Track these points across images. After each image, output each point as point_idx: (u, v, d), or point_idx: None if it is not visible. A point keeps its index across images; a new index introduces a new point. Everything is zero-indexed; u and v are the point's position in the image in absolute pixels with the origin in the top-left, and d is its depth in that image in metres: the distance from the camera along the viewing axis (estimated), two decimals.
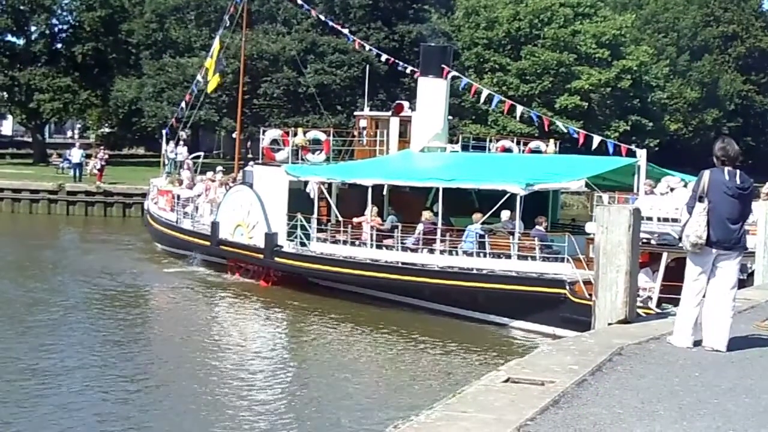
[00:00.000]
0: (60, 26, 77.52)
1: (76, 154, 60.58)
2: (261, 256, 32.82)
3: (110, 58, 76.05)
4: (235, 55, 63.35)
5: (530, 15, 78.17)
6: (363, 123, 37.59)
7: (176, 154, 55.64)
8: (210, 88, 45.83)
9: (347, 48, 62.89)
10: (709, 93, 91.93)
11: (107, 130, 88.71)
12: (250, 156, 48.39)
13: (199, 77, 46.67)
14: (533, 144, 40.32)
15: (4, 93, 76.23)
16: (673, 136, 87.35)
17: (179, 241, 38.30)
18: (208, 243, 35.64)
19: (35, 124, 78.11)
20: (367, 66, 51.37)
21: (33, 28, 75.35)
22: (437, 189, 30.38)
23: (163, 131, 49.81)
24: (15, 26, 73.98)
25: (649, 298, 23.57)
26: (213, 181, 39.00)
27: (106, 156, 61.27)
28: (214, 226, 35.16)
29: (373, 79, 60.64)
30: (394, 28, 67.56)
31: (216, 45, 44.25)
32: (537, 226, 28.31)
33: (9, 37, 75.90)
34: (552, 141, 40.07)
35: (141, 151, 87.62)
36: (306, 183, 32.46)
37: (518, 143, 40.65)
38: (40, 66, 73.18)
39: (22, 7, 72.82)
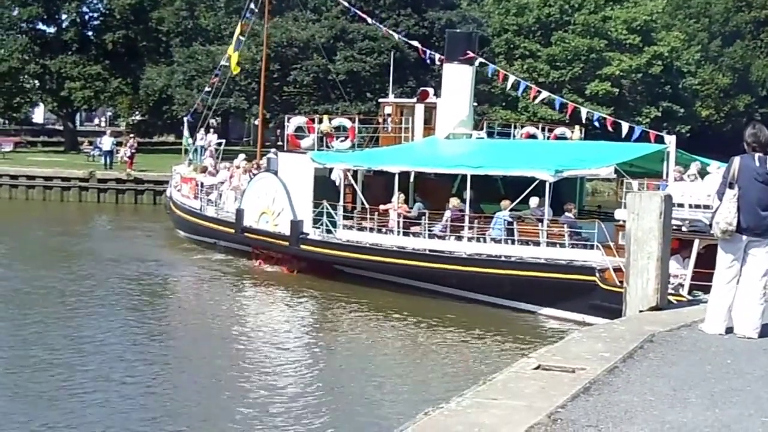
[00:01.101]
0: (90, 14, 78.17)
1: (107, 142, 60.91)
2: (286, 243, 32.76)
3: (140, 45, 76.51)
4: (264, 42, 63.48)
5: (560, 1, 77.82)
6: (388, 110, 37.45)
7: (206, 141, 55.84)
8: (232, 65, 45.92)
9: (377, 35, 62.79)
10: (741, 79, 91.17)
11: (138, 117, 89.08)
12: (280, 143, 48.35)
13: (223, 62, 46.73)
14: (558, 130, 40.04)
15: (36, 81, 76.83)
16: (704, 123, 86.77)
17: (203, 228, 38.30)
18: (232, 230, 35.59)
19: (66, 112, 78.60)
20: (392, 53, 51.27)
21: (64, 16, 75.88)
22: (462, 176, 30.29)
23: (185, 118, 49.89)
24: (46, 14, 74.52)
25: (681, 285, 23.45)
26: (237, 168, 38.95)
27: (136, 144, 61.52)
28: (239, 213, 35.14)
29: (403, 66, 60.72)
30: (424, 14, 67.42)
31: (237, 30, 44.23)
32: (566, 213, 28.21)
33: (40, 26, 76.52)
34: (577, 127, 39.84)
35: (171, 138, 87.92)
36: (331, 170, 32.45)
37: (543, 130, 40.45)
38: (70, 54, 73.64)
39: None
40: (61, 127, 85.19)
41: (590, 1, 77.63)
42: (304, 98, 66.51)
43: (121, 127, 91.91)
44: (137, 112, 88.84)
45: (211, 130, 63.97)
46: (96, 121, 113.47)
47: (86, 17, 77.72)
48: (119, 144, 63.59)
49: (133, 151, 58.88)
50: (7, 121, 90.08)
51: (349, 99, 61.47)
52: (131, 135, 68.53)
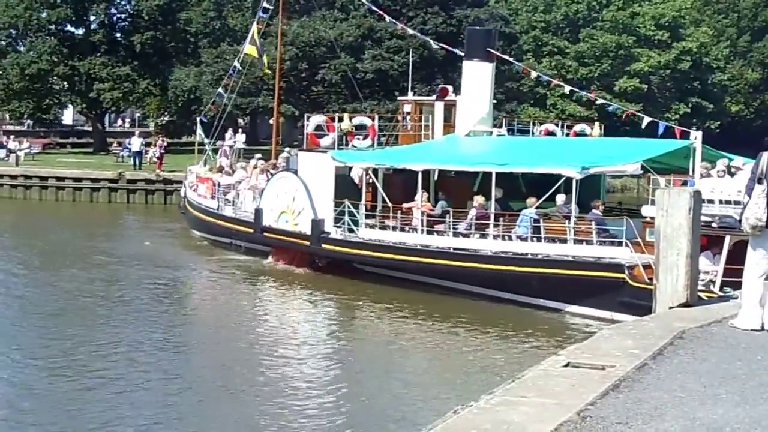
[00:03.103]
0: (119, 15, 78.54)
1: (136, 143, 61.30)
2: (307, 242, 32.55)
3: (169, 46, 76.79)
4: (292, 42, 63.47)
5: None
6: (407, 108, 37.20)
7: (234, 142, 55.96)
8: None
9: (405, 33, 62.78)
10: None
11: (166, 118, 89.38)
12: None
13: (236, 63, 46.72)
14: (578, 127, 39.70)
15: (65, 83, 77.16)
16: (734, 118, 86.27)
17: (220, 228, 38.06)
18: (251, 230, 35.32)
19: (95, 113, 78.96)
20: (411, 51, 51.20)
21: (92, 18, 76.30)
22: (484, 173, 30.21)
23: (198, 118, 49.88)
24: (74, 16, 74.89)
25: (711, 281, 23.33)
26: (255, 167, 38.69)
27: (165, 144, 61.75)
28: (258, 213, 34.88)
29: (431, 64, 60.65)
30: (452, 12, 67.27)
31: (254, 30, 44.28)
32: (594, 210, 28.11)
33: (69, 27, 76.95)
34: (597, 124, 39.66)
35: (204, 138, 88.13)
36: (350, 169, 32.39)
37: (562, 127, 40.22)
38: (99, 55, 73.94)
39: None
40: (90, 128, 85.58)
41: None
42: (333, 97, 66.56)
43: (149, 128, 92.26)
44: (166, 113, 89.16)
45: (240, 130, 64.21)
46: (119, 122, 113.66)
47: (114, 19, 78.10)
48: (148, 144, 63.88)
49: (162, 151, 59.13)
50: (31, 122, 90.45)
51: (378, 98, 61.43)
52: (160, 135, 68.83)
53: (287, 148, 41.01)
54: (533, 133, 38.83)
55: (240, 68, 46.23)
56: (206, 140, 47.01)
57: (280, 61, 48.41)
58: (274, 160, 39.94)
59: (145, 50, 74.44)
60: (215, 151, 46.74)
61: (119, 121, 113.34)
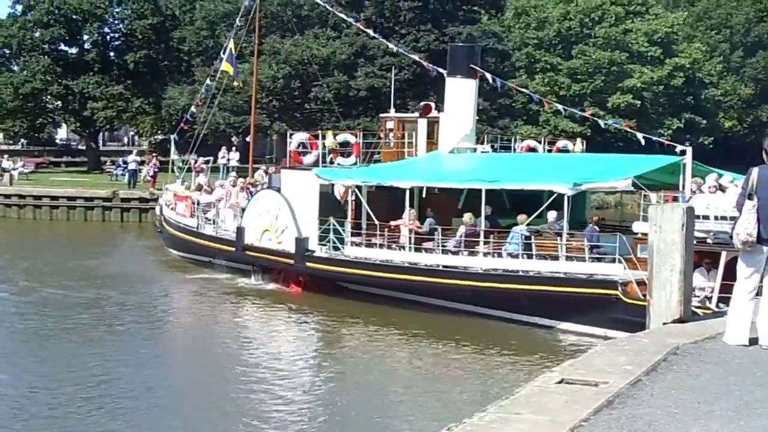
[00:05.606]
0: (112, 35, 78.82)
1: (132, 161, 61.31)
2: (291, 261, 32.27)
3: (162, 65, 77.05)
4: (285, 60, 63.55)
5: (581, 14, 77.72)
6: (390, 125, 37.00)
7: (228, 160, 55.91)
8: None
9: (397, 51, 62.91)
10: (764, 89, 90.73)
11: (160, 137, 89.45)
12: None
13: (208, 82, 46.74)
14: (561, 143, 39.53)
15: (59, 102, 77.28)
16: (727, 134, 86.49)
17: (200, 247, 37.67)
18: (233, 249, 35.00)
19: (89, 132, 79.04)
20: (393, 69, 51.26)
21: (86, 37, 76.45)
22: (468, 190, 30.11)
23: (172, 136, 49.83)
24: (68, 36, 75.17)
25: (707, 297, 23.33)
26: (234, 185, 38.32)
27: (158, 162, 61.76)
28: (240, 231, 34.56)
29: (424, 81, 60.73)
30: (444, 30, 67.43)
31: (230, 47, 44.36)
32: (593, 225, 28.22)
33: (62, 47, 77.05)
34: (579, 140, 39.59)
35: (194, 157, 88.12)
36: (333, 186, 32.19)
37: (544, 143, 40.12)
38: (93, 74, 74.15)
39: (74, 17, 73.82)
40: (84, 147, 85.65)
41: (611, 13, 77.51)
42: (326, 115, 66.65)
43: (144, 146, 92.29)
44: (159, 132, 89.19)
45: (234, 148, 64.22)
46: (125, 140, 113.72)
47: (108, 38, 78.33)
48: (141, 163, 63.93)
49: (156, 170, 59.15)
50: (25, 141, 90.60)
51: (371, 114, 61.49)
52: (153, 154, 68.87)
53: (262, 166, 40.81)
54: (515, 150, 38.69)
55: (209, 86, 46.25)
56: (177, 158, 46.93)
57: (257, 78, 48.67)
58: (252, 178, 39.78)
59: (139, 69, 74.66)
60: (189, 169, 46.56)
61: (125, 139, 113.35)
